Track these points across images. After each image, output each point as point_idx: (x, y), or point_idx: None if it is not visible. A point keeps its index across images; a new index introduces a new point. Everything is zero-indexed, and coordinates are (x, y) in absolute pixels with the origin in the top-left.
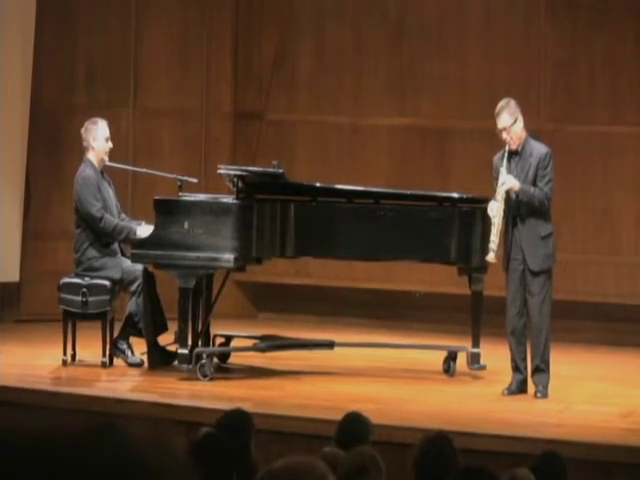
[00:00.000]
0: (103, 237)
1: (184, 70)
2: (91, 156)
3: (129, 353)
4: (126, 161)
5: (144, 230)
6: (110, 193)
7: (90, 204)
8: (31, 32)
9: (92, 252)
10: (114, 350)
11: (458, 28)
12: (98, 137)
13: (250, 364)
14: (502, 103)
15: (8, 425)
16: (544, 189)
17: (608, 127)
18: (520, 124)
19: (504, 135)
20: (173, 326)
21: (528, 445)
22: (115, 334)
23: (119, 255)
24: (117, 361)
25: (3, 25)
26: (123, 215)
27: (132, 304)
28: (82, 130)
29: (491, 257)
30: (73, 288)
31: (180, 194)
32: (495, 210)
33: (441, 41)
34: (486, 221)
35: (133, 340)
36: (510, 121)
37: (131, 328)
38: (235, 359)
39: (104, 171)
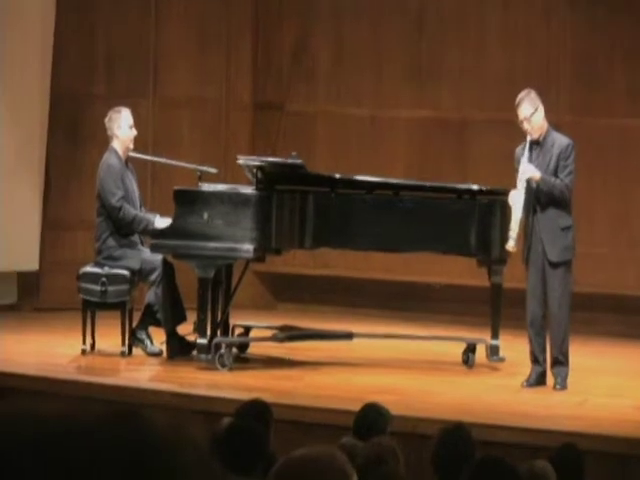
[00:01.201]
0: (122, 227)
1: (204, 60)
2: (116, 145)
3: (148, 343)
4: (145, 151)
5: (162, 222)
6: (133, 184)
7: (111, 193)
8: (51, 21)
9: (112, 241)
10: (133, 340)
11: (477, 19)
12: (122, 125)
13: (269, 354)
14: (522, 94)
15: (31, 411)
16: (565, 180)
17: (627, 119)
18: (541, 114)
19: (525, 125)
20: (192, 316)
21: (546, 437)
22: (134, 324)
23: (139, 245)
24: (136, 351)
25: (23, 14)
26: (142, 208)
27: (151, 294)
28: (106, 120)
29: (511, 245)
30: (92, 277)
31: (199, 184)
32: (516, 199)
33: (460, 32)
34: (505, 213)
35: (152, 330)
36: (531, 111)
37: (150, 318)
38: (254, 349)
39: (128, 161)
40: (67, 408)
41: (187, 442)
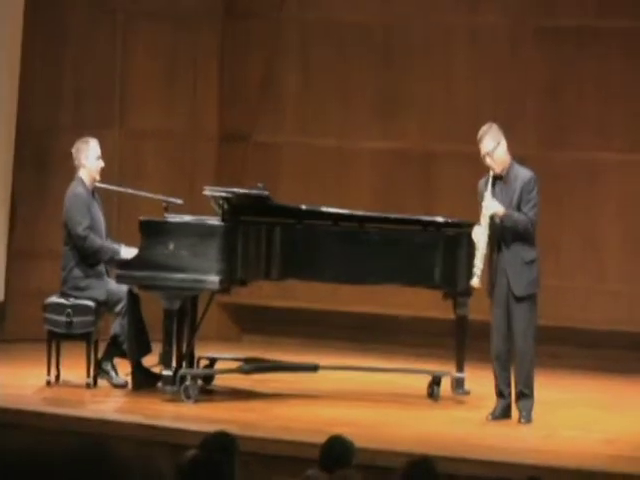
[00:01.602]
0: (88, 257)
1: (170, 92)
2: (83, 174)
3: (113, 374)
4: (112, 182)
5: (128, 252)
6: (99, 214)
7: (77, 222)
8: (18, 50)
9: (78, 272)
10: (99, 371)
11: (444, 52)
12: (90, 155)
13: (234, 386)
14: (484, 128)
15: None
16: (528, 214)
17: (594, 153)
18: (503, 148)
19: (488, 160)
20: (157, 347)
21: (512, 470)
22: (100, 355)
23: (105, 276)
24: (101, 382)
25: None
26: (108, 238)
27: (117, 325)
28: (73, 149)
29: (475, 282)
30: (58, 308)
31: (166, 215)
32: (479, 235)
33: (427, 65)
34: (471, 246)
35: (117, 361)
36: (493, 145)
37: (116, 349)
38: (219, 381)
39: (95, 191)
40: (35, 442)
41: (154, 474)
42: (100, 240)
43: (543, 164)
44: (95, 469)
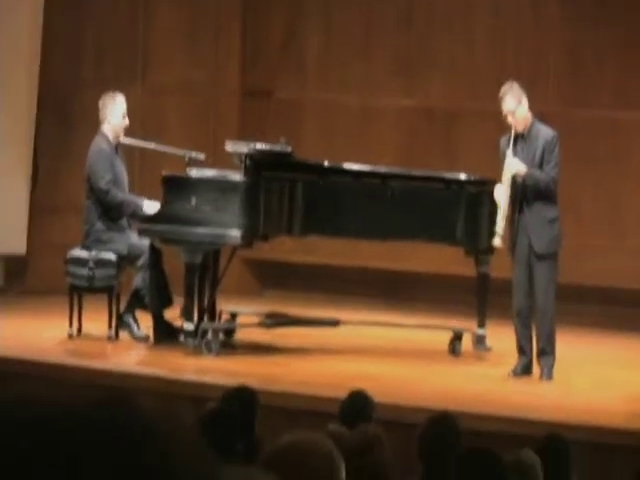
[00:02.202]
0: (110, 210)
1: (192, 46)
2: (107, 130)
3: (135, 327)
4: (134, 137)
5: (150, 205)
6: (122, 170)
7: (100, 176)
8: (40, 5)
9: (100, 225)
10: (120, 324)
11: (466, 10)
12: (116, 113)
13: (255, 341)
14: (505, 87)
15: (21, 397)
16: (550, 173)
17: (616, 112)
18: (525, 107)
19: (509, 118)
20: (179, 301)
21: (532, 427)
22: (121, 308)
23: (127, 230)
24: (123, 335)
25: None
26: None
27: (139, 279)
28: (100, 103)
29: (497, 242)
30: (80, 262)
31: (188, 170)
32: (501, 194)
33: (449, 23)
34: (493, 203)
35: (139, 314)
36: (514, 104)
37: (137, 302)
38: (240, 335)
39: (118, 147)
40: (60, 394)
41: (178, 428)
42: (122, 194)
43: (564, 122)
44: (120, 423)
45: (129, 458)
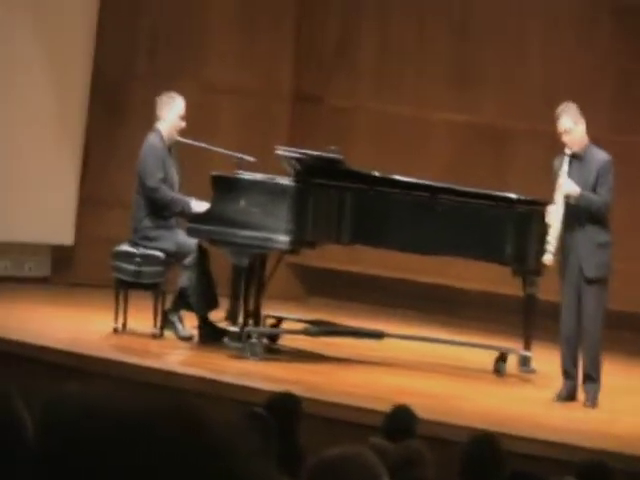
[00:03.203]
0: (159, 208)
1: (247, 48)
2: (162, 127)
3: (180, 326)
4: (184, 135)
5: (199, 205)
6: (174, 170)
7: (150, 173)
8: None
9: (148, 222)
10: (165, 322)
11: (521, 29)
12: (174, 111)
13: (299, 347)
14: (562, 106)
15: (93, 401)
16: (604, 196)
17: None
18: (581, 127)
19: (565, 138)
20: (225, 303)
21: (574, 453)
22: (167, 306)
23: (175, 228)
24: (167, 333)
25: None
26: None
27: (185, 278)
28: (157, 100)
29: (548, 258)
30: (127, 257)
31: (237, 172)
32: (554, 213)
33: (503, 40)
34: (543, 225)
35: (184, 314)
36: (570, 123)
37: (183, 302)
38: (284, 341)
39: (172, 147)
40: (131, 401)
41: (244, 443)
42: (171, 193)
43: (615, 148)
44: (190, 438)
45: (198, 476)
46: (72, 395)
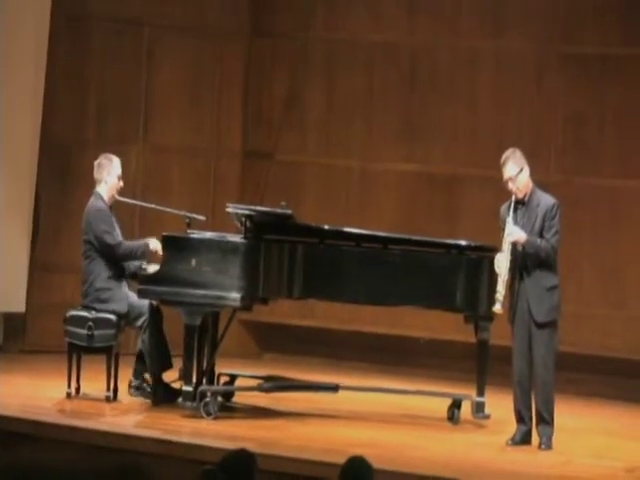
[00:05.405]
0: (118, 265)
1: (195, 108)
2: (102, 190)
3: (148, 389)
4: (134, 197)
5: (154, 243)
6: (118, 228)
7: (106, 233)
8: (43, 65)
9: (100, 284)
10: (134, 392)
11: (469, 77)
12: (112, 173)
13: (254, 404)
14: (507, 153)
15: (44, 463)
16: (550, 240)
17: (617, 181)
18: (526, 174)
19: (510, 185)
20: (178, 363)
21: None
22: (120, 368)
23: (126, 289)
24: (121, 396)
25: (15, 58)
26: None
27: (140, 341)
28: (95, 163)
29: (497, 308)
30: (79, 321)
31: (188, 231)
32: (501, 261)
33: (452, 89)
34: (493, 270)
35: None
36: (516, 171)
37: (143, 365)
38: (239, 398)
39: (112, 207)
40: (76, 461)
41: None
42: (128, 242)
43: (565, 191)
44: None
45: None
46: (23, 461)
